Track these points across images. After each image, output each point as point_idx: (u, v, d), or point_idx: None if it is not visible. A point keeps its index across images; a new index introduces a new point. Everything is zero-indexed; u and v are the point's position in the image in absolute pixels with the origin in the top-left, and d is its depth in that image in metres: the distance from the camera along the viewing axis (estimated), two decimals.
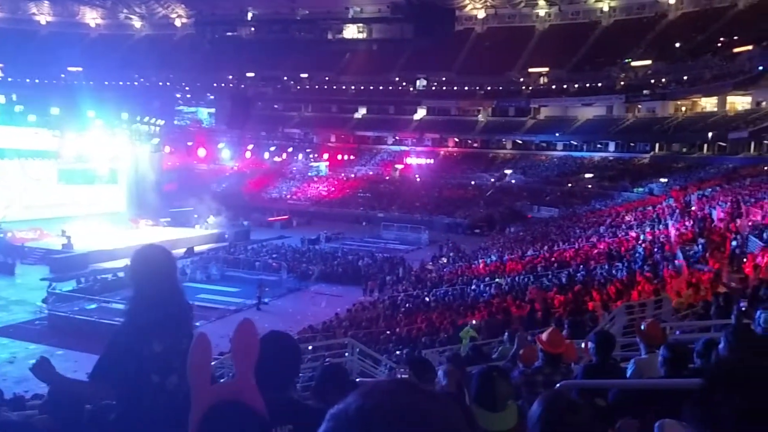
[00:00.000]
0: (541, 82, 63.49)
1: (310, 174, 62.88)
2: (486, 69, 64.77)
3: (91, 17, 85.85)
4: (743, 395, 0.63)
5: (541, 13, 70.82)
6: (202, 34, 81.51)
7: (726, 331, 3.57)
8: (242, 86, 74.27)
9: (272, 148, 61.62)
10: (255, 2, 77.40)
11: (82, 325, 19.07)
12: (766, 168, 33.38)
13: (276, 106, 74.28)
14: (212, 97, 72.22)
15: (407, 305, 21.95)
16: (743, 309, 6.20)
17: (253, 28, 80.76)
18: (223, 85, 74.05)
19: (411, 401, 0.71)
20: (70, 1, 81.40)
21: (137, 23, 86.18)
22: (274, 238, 40.90)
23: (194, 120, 69.05)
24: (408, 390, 0.73)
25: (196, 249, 34.32)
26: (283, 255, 33.65)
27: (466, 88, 66.10)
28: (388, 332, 17.26)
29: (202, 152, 51.70)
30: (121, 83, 71.58)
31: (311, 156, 64.77)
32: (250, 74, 74.96)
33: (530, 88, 63.58)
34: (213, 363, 12.06)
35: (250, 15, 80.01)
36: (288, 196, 58.52)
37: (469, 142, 65.00)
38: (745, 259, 14.78)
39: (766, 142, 39.07)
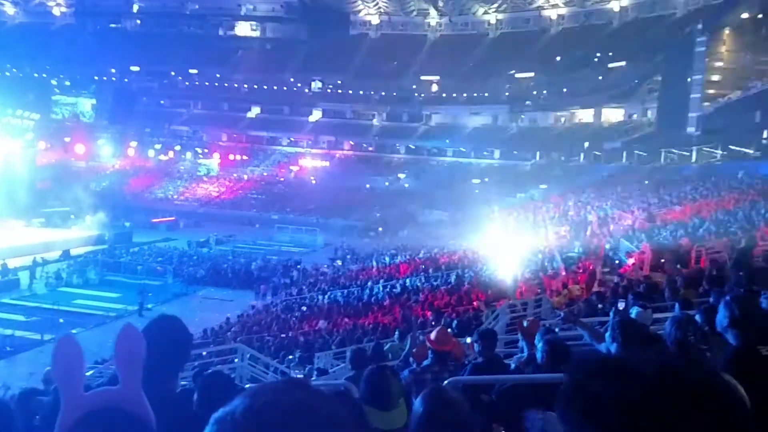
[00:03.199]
0: (433, 89, 65.38)
1: (199, 173, 60.73)
2: (380, 74, 65.73)
3: None
4: (623, 384, 0.65)
5: (433, 22, 72.98)
6: (82, 25, 76.38)
7: (612, 321, 3.80)
8: (126, 80, 70.38)
9: (158, 146, 58.91)
10: None
11: None
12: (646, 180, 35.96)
13: (162, 102, 71.00)
14: (93, 86, 67.79)
15: (301, 308, 21.78)
16: (621, 308, 6.68)
17: (138, 21, 76.85)
18: (105, 78, 69.66)
19: (299, 398, 0.70)
20: None
21: (10, 9, 79.02)
22: (159, 240, 39.16)
23: (73, 114, 64.52)
24: (295, 387, 0.72)
25: (73, 251, 32.24)
26: (169, 258, 32.27)
27: (361, 92, 66.73)
28: (282, 336, 17.01)
29: (80, 148, 48.38)
30: None
31: (201, 155, 62.54)
32: (135, 68, 71.23)
33: (422, 95, 65.28)
34: (90, 372, 11.32)
35: (135, 7, 76.10)
36: (175, 197, 56.17)
37: (365, 145, 65.57)
38: (617, 261, 15.99)
39: (636, 152, 42.44)
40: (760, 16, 22.53)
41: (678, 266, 11.91)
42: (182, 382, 2.95)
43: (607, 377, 0.67)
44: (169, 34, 73.43)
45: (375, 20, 75.18)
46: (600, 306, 9.33)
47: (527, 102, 57.84)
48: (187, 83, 71.55)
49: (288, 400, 0.69)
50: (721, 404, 0.64)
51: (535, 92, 58.09)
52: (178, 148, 60.90)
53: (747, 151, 28.45)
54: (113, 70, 70.69)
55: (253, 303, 25.12)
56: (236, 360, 10.08)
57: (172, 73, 71.61)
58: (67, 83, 67.15)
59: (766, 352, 2.59)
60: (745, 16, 22.67)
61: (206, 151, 62.92)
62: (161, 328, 2.04)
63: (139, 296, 22.95)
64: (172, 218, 47.28)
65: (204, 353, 11.65)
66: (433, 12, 72.15)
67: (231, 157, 62.74)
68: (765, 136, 24.41)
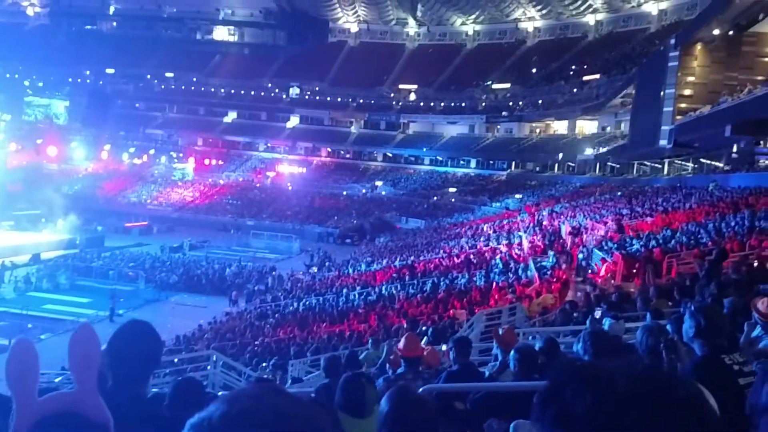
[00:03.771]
0: (410, 98, 65.66)
1: (174, 178, 60.01)
2: (358, 82, 65.87)
3: None
4: (594, 392, 0.66)
5: (411, 32, 73.44)
6: (57, 26, 75.32)
7: (583, 333, 3.85)
8: (100, 82, 69.43)
9: (132, 149, 58.07)
10: None
11: None
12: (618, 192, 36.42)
13: (137, 105, 70.16)
14: (67, 88, 66.71)
15: (276, 315, 21.62)
16: (597, 317, 6.75)
17: (115, 23, 76.04)
18: (79, 80, 68.65)
19: (276, 404, 0.69)
20: None
21: None
22: (132, 245, 38.58)
23: (46, 116, 63.38)
24: (272, 393, 0.71)
25: (43, 255, 31.62)
26: (141, 263, 31.80)
27: (339, 99, 66.74)
28: (256, 343, 16.84)
29: (52, 151, 47.49)
30: None
31: (176, 159, 61.84)
32: (110, 70, 70.36)
33: (400, 103, 65.51)
34: (59, 379, 11.06)
35: (112, 9, 75.29)
36: (148, 201, 55.42)
37: (342, 152, 65.61)
38: (590, 270, 16.17)
39: (609, 163, 43.06)
40: (731, 32, 23.04)
41: (652, 276, 12.12)
42: (153, 389, 2.91)
43: (580, 384, 0.67)
44: (146, 36, 72.77)
45: (354, 28, 75.43)
46: (574, 315, 9.42)
47: (503, 112, 58.37)
48: (162, 86, 70.80)
49: (265, 405, 0.68)
50: (692, 412, 0.65)
51: (511, 103, 58.65)
52: (152, 152, 60.13)
53: (717, 164, 29.06)
54: (88, 72, 69.72)
55: (228, 310, 24.87)
56: (209, 367, 9.97)
57: (148, 76, 70.86)
58: (41, 84, 66.01)
59: (729, 360, 2.65)
60: (716, 32, 23.15)
61: (181, 155, 62.25)
62: (131, 332, 2.03)
63: (110, 301, 22.61)
64: (146, 223, 46.64)
65: (176, 360, 11.50)
66: (411, 21, 72.64)
67: (206, 161, 62.17)
68: (735, 149, 24.98)
